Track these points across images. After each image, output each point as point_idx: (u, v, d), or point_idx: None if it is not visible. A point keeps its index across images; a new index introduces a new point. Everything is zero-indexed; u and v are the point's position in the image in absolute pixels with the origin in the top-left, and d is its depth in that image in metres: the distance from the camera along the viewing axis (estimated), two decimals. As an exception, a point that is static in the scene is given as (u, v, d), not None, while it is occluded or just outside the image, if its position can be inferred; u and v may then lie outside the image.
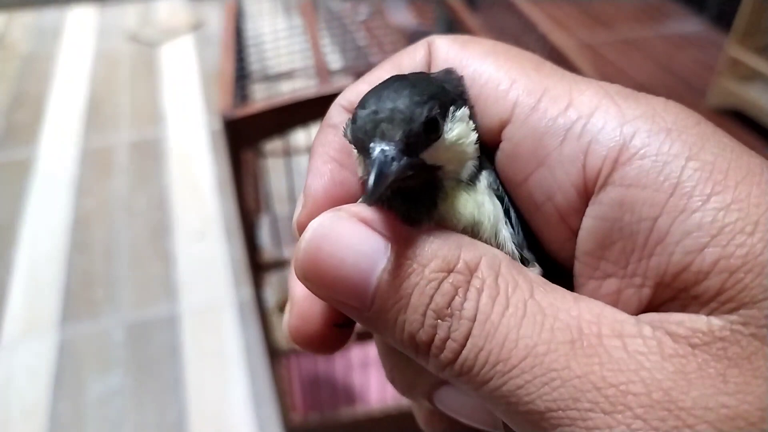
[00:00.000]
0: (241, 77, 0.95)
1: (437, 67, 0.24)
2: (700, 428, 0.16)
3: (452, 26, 1.01)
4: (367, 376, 1.19)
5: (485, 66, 0.23)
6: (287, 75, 1.05)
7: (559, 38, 0.87)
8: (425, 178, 0.22)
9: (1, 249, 1.71)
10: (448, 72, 0.23)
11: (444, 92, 0.22)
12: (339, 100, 0.25)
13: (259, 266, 0.94)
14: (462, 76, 0.23)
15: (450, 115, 0.22)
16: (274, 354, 1.07)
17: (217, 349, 1.44)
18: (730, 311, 0.17)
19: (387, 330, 0.21)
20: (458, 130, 0.22)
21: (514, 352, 0.18)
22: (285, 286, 1.21)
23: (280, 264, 0.98)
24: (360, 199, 0.23)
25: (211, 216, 1.80)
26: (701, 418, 0.16)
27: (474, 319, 0.19)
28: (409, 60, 0.25)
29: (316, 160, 0.24)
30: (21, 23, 2.94)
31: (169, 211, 1.83)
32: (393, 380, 0.26)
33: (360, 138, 0.21)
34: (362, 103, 0.21)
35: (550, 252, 0.22)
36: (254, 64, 1.06)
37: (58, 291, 1.59)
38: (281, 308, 1.21)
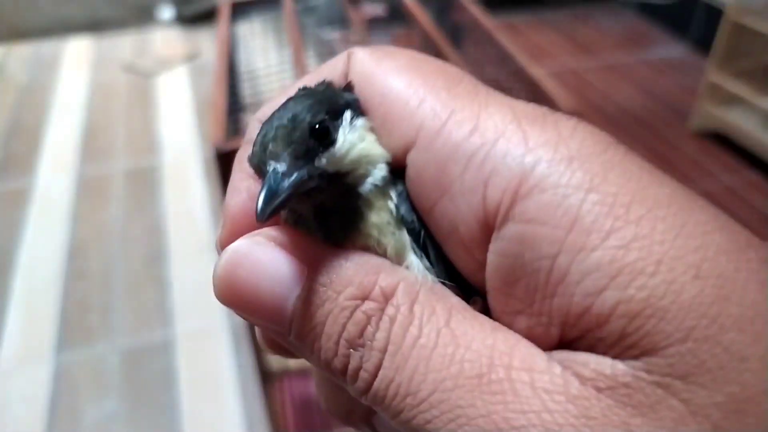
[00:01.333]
0: (235, 109, 0.99)
1: (355, 78, 0.23)
2: None
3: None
4: (359, 398, 1.21)
5: (396, 82, 0.21)
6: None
7: (535, 71, 0.91)
8: (339, 190, 0.21)
9: (-3, 277, 1.74)
10: (348, 86, 0.23)
11: (335, 100, 0.22)
12: (257, 115, 0.24)
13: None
14: (354, 95, 0.22)
15: (345, 120, 0.21)
16: (267, 377, 1.10)
17: (211, 374, 1.47)
18: (635, 357, 0.17)
19: (307, 355, 0.20)
20: (357, 134, 0.21)
21: (423, 385, 0.18)
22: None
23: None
24: (282, 219, 0.22)
25: (206, 242, 1.83)
26: None
27: (385, 350, 0.19)
28: (330, 71, 0.24)
29: (234, 178, 0.23)
30: (18, 55, 3.00)
31: (164, 238, 1.87)
32: (329, 409, 0.25)
33: (256, 165, 0.21)
34: (259, 130, 0.21)
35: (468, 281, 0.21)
36: (247, 96, 1.10)
37: (54, 318, 1.61)
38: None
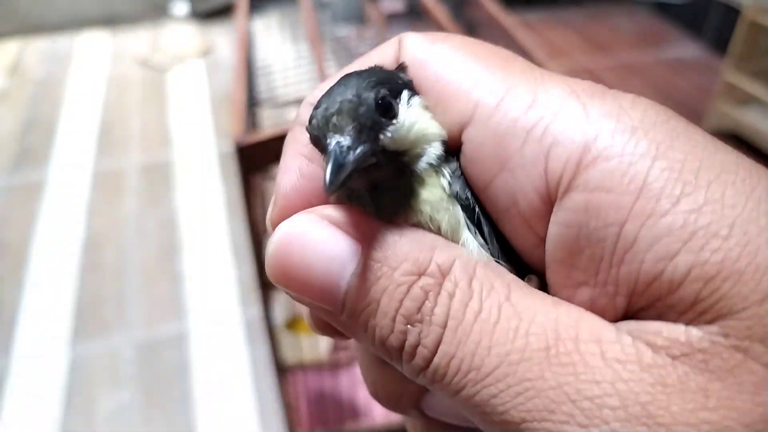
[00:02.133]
0: (251, 104, 1.00)
1: (409, 61, 0.23)
2: None
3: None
4: (372, 393, 1.21)
5: (450, 63, 0.21)
6: (295, 102, 1.10)
7: (553, 66, 0.91)
8: (395, 167, 0.21)
9: (14, 269, 1.76)
10: (401, 68, 0.23)
11: (395, 79, 0.22)
12: (308, 98, 0.24)
13: (267, 284, 0.98)
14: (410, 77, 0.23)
15: (403, 99, 0.21)
16: (281, 370, 1.10)
17: (225, 366, 1.48)
18: (709, 321, 0.16)
19: (360, 334, 0.20)
20: (416, 112, 0.21)
21: (486, 360, 0.18)
22: (292, 303, 1.25)
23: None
24: (332, 198, 0.22)
25: (220, 236, 1.85)
26: None
27: (445, 326, 0.18)
28: (380, 57, 0.24)
29: (285, 158, 0.23)
30: (34, 49, 3.02)
31: (178, 232, 1.88)
32: (376, 394, 0.25)
33: (316, 136, 0.21)
34: (316, 104, 0.21)
35: (523, 259, 0.21)
36: (264, 92, 1.10)
37: (69, 310, 1.63)
38: (289, 326, 1.25)
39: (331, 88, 0.21)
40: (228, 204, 1.96)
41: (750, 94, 2.03)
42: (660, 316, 0.17)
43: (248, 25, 1.18)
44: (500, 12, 1.17)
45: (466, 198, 0.21)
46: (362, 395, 1.21)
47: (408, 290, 0.19)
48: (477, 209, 0.21)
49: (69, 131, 2.40)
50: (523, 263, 0.21)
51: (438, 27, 1.12)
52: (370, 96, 0.20)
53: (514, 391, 0.17)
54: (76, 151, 2.28)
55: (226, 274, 1.72)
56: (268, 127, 0.97)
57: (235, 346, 1.52)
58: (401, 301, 0.19)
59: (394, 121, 0.21)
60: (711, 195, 0.17)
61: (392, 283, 0.19)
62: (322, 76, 0.95)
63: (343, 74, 0.22)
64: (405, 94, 0.22)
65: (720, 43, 2.53)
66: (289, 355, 1.14)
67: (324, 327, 0.23)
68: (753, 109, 2.06)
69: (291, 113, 1.21)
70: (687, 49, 2.79)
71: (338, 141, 0.20)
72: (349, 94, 0.20)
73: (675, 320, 0.17)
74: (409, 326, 0.19)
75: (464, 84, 0.20)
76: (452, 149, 0.22)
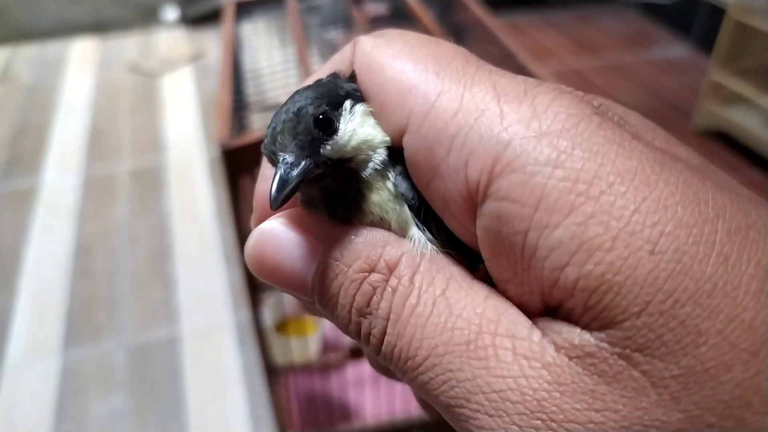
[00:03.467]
0: (239, 108, 1.01)
1: (356, 67, 0.24)
2: None
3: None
4: (362, 394, 1.22)
5: (390, 69, 0.22)
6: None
7: (537, 70, 0.92)
8: (343, 175, 0.23)
9: (5, 275, 1.76)
10: (352, 76, 0.24)
11: (335, 91, 0.23)
12: None
13: (256, 287, 0.99)
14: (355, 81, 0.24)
15: (344, 110, 0.23)
16: (272, 373, 1.11)
17: (216, 370, 1.48)
18: (599, 329, 0.17)
19: (331, 320, 0.23)
20: (357, 121, 0.23)
21: (419, 351, 0.20)
22: (281, 306, 1.25)
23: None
24: (299, 202, 0.24)
25: (210, 241, 1.85)
26: None
27: (388, 318, 0.20)
28: (338, 62, 0.25)
29: (262, 167, 0.26)
30: (24, 55, 3.02)
31: (169, 237, 1.88)
32: (371, 363, 0.28)
33: (268, 156, 0.23)
34: (270, 122, 0.23)
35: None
36: (252, 95, 1.11)
37: (61, 316, 1.63)
38: (278, 328, 1.25)
39: (282, 106, 0.23)
40: (218, 208, 1.96)
41: (736, 93, 2.05)
42: (566, 317, 0.18)
43: (235, 29, 1.19)
44: (485, 15, 1.18)
45: (413, 197, 0.22)
46: (353, 396, 1.22)
47: (360, 286, 0.21)
48: (422, 208, 0.22)
49: (60, 137, 2.40)
50: (475, 253, 0.21)
51: (424, 30, 1.13)
52: (308, 113, 0.22)
53: (440, 380, 0.19)
54: (67, 156, 2.28)
55: (217, 277, 1.72)
56: (257, 130, 0.98)
57: (226, 350, 1.52)
58: (354, 296, 0.21)
59: (335, 135, 0.22)
60: (600, 206, 0.17)
61: (347, 280, 0.21)
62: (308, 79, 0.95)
63: (295, 90, 0.24)
64: (347, 104, 0.23)
65: (707, 43, 2.55)
66: (280, 357, 1.14)
67: (310, 309, 0.25)
68: (739, 108, 2.08)
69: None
70: (674, 49, 2.81)
71: (284, 158, 0.21)
72: (290, 112, 0.22)
73: (576, 323, 0.18)
74: (361, 318, 0.21)
75: (400, 91, 0.21)
76: (400, 150, 0.23)
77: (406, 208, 0.23)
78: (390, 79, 0.22)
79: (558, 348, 0.18)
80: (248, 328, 1.53)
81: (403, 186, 0.23)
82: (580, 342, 0.18)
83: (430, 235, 0.22)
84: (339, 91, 0.23)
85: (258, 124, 1.12)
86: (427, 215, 0.22)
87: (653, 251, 0.17)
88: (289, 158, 0.21)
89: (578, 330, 0.18)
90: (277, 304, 1.23)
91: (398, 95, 0.21)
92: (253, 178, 1.07)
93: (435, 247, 0.22)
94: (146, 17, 3.23)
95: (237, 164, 0.82)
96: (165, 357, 1.51)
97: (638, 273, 0.17)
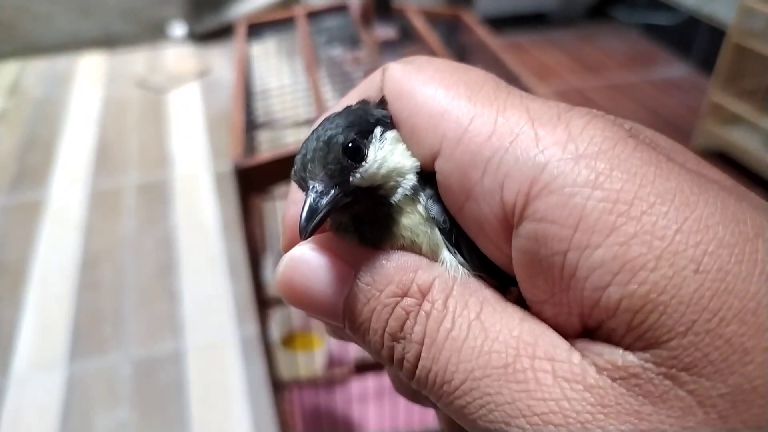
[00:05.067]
0: (250, 128, 1.03)
1: (387, 94, 0.24)
2: None
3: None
4: (366, 409, 1.23)
5: (421, 95, 0.22)
6: (292, 126, 1.13)
7: (541, 91, 0.95)
8: (373, 201, 0.23)
9: (12, 287, 1.77)
10: (381, 102, 0.24)
11: (365, 118, 0.23)
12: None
13: (264, 302, 1.00)
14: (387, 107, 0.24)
15: (375, 137, 0.23)
16: (277, 387, 1.12)
17: (221, 384, 1.49)
18: (643, 349, 0.17)
19: (362, 345, 0.23)
20: (386, 149, 0.23)
21: (455, 375, 0.19)
22: (288, 321, 1.27)
23: (283, 300, 1.03)
24: (329, 227, 0.24)
25: (216, 255, 1.87)
26: None
27: (422, 342, 0.20)
28: (366, 88, 0.25)
29: (291, 191, 0.26)
30: (33, 70, 3.06)
31: (175, 251, 1.90)
32: (397, 389, 0.28)
33: (298, 182, 0.23)
34: (300, 149, 0.23)
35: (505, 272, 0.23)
36: (261, 116, 1.13)
37: (67, 328, 1.64)
38: (284, 342, 1.27)
39: (312, 132, 0.23)
40: (224, 223, 1.98)
41: (736, 113, 2.08)
42: (607, 338, 0.18)
43: (246, 50, 1.22)
44: (489, 37, 1.21)
45: (444, 221, 0.23)
46: (357, 411, 1.23)
47: (392, 311, 0.21)
48: (454, 231, 0.23)
49: (67, 151, 2.42)
50: (507, 275, 0.22)
51: (430, 52, 1.15)
52: (338, 142, 0.22)
53: (478, 404, 0.19)
54: (75, 170, 2.30)
55: (222, 292, 1.74)
56: (265, 150, 1.00)
57: (231, 364, 1.53)
58: (387, 321, 0.21)
59: (364, 162, 0.23)
60: (642, 227, 0.17)
61: (379, 304, 0.21)
62: (318, 99, 0.98)
63: (324, 116, 0.24)
64: (377, 131, 0.23)
65: (708, 64, 2.57)
66: (285, 371, 1.16)
67: (340, 335, 0.25)
68: (739, 129, 2.10)
69: (288, 137, 1.24)
70: (675, 70, 2.84)
71: (313, 186, 0.22)
72: (320, 141, 0.22)
73: (617, 343, 0.18)
74: (394, 342, 0.21)
75: (432, 116, 0.22)
76: (431, 174, 0.23)
77: (437, 231, 0.23)
78: (422, 104, 0.22)
79: (600, 369, 0.18)
80: (253, 342, 1.54)
81: (435, 209, 0.23)
82: (624, 363, 0.17)
83: (461, 258, 0.23)
84: (369, 118, 0.23)
85: (267, 145, 1.15)
86: (457, 238, 0.23)
87: (698, 270, 0.17)
88: (319, 186, 0.22)
89: (620, 351, 0.18)
90: (284, 318, 1.25)
91: (430, 120, 0.22)
92: (262, 196, 1.09)
93: (467, 271, 0.22)
94: (154, 33, 3.27)
95: (249, 183, 0.84)
96: (170, 370, 1.52)
97: (683, 292, 0.17)
